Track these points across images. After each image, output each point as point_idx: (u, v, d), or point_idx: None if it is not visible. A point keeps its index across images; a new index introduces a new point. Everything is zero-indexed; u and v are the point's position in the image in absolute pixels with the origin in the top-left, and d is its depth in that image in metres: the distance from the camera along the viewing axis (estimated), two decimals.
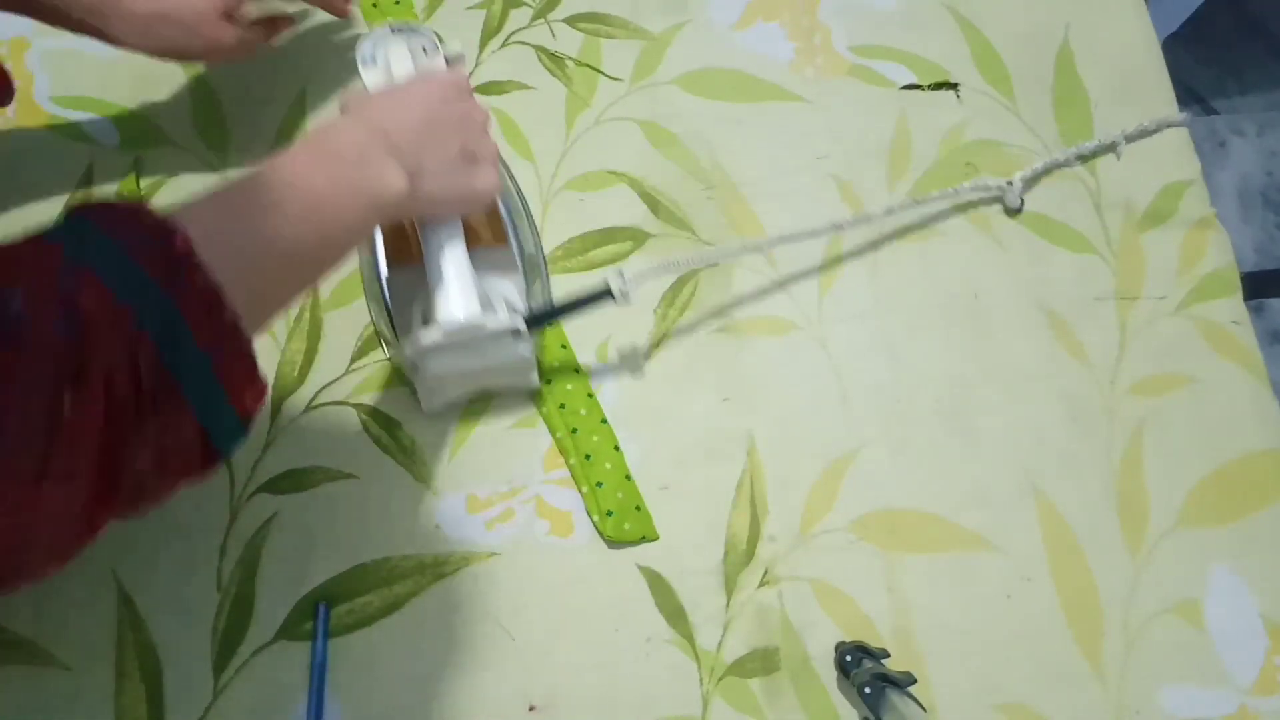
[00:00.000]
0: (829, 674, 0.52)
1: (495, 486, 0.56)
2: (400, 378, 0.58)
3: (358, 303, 0.60)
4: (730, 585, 0.54)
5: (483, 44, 0.68)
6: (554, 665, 0.52)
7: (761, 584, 0.54)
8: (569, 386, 0.58)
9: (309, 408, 0.57)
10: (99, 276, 0.30)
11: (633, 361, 0.59)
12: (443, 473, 0.56)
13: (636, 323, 0.60)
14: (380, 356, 0.58)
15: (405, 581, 0.54)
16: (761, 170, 0.64)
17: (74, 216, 0.32)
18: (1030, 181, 0.63)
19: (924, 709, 0.46)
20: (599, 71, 0.67)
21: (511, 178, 0.61)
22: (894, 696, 0.46)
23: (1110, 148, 0.64)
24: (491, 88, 0.67)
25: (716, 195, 0.64)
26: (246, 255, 0.37)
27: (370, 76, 0.54)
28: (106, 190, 0.63)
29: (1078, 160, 0.64)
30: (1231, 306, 0.61)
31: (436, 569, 0.54)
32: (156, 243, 0.33)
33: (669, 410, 0.58)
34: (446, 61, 0.54)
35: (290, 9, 0.61)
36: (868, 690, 0.46)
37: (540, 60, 0.68)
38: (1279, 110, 1.52)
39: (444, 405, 0.57)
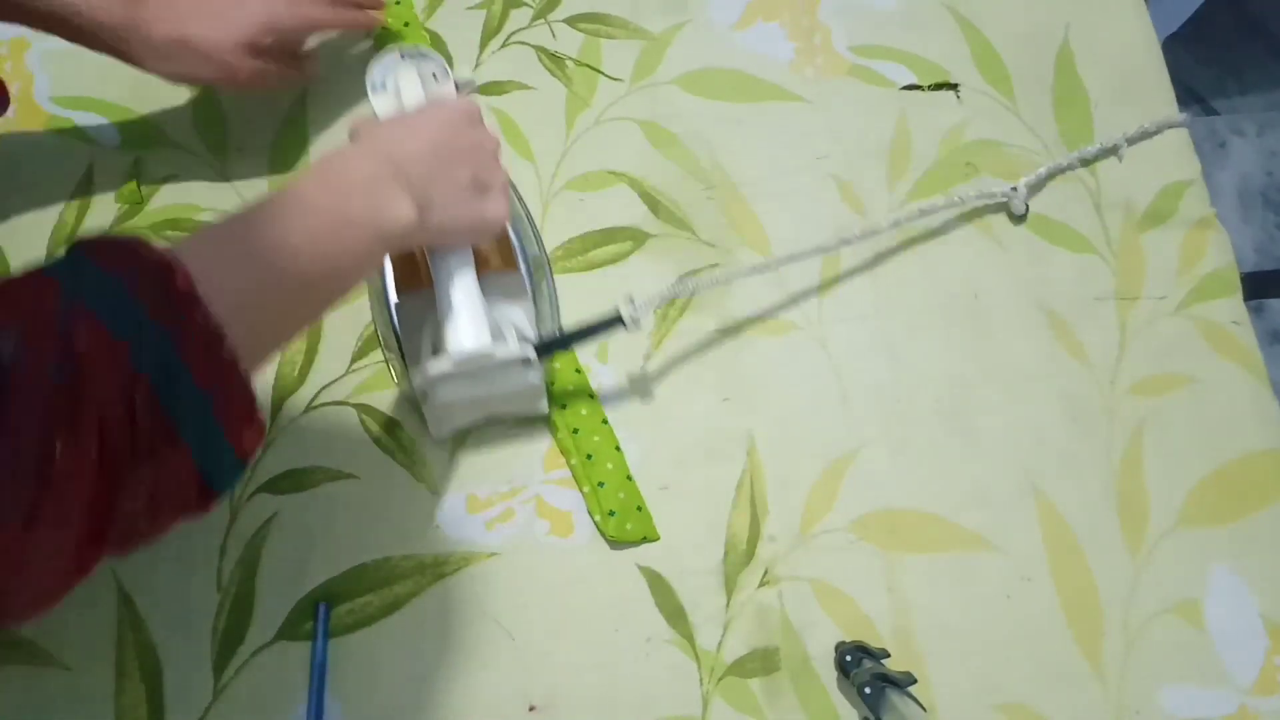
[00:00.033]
0: (829, 674, 0.52)
1: (495, 486, 0.56)
2: (400, 379, 0.58)
3: (358, 303, 0.60)
4: (730, 585, 0.54)
5: (483, 44, 0.68)
6: (554, 665, 0.52)
7: (761, 584, 0.54)
8: (570, 387, 0.58)
9: (309, 408, 0.57)
10: (96, 315, 0.30)
11: (633, 361, 0.59)
12: (443, 473, 0.56)
13: None
14: (380, 357, 0.58)
15: (405, 582, 0.54)
16: (761, 170, 0.64)
17: (73, 252, 0.32)
18: (1035, 187, 0.63)
19: (924, 709, 0.46)
20: (599, 72, 0.67)
21: (513, 187, 0.61)
22: (894, 696, 0.46)
23: (1111, 151, 0.64)
24: (491, 88, 0.67)
25: (716, 195, 0.63)
26: (250, 289, 0.36)
27: (380, 103, 0.54)
28: (106, 192, 0.63)
29: (1080, 164, 0.64)
30: (1231, 306, 0.60)
31: (436, 569, 0.54)
32: (156, 280, 0.32)
33: (669, 410, 0.58)
34: (456, 87, 0.54)
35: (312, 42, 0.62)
36: (868, 690, 0.46)
37: (540, 60, 0.68)
38: (1279, 110, 1.52)
39: (452, 432, 0.57)
